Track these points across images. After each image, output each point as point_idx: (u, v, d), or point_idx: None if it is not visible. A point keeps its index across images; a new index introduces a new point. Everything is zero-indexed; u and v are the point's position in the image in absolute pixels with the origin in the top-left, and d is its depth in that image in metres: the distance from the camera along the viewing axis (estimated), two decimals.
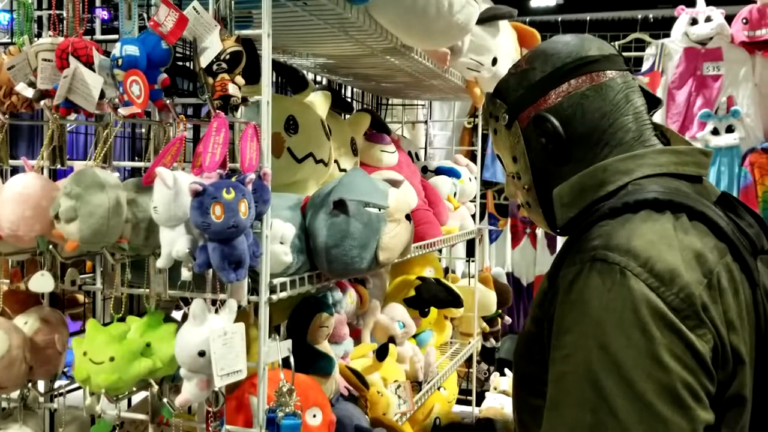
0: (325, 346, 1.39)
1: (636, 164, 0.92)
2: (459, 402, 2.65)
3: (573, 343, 0.80)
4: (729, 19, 3.30)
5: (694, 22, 3.33)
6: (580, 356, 0.79)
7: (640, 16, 3.70)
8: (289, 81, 1.70)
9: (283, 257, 1.11)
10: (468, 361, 2.58)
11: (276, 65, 1.69)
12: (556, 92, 0.96)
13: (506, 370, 3.19)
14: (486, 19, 1.79)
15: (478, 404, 2.86)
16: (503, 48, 1.91)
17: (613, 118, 0.95)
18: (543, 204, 1.01)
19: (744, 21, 3.26)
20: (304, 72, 1.78)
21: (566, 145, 0.96)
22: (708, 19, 3.30)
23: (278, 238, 1.12)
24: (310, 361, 1.35)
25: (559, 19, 3.92)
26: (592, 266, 0.81)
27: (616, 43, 3.82)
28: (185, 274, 0.96)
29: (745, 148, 3.31)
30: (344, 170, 1.59)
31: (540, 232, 3.73)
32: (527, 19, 3.39)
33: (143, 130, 1.55)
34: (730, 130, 3.31)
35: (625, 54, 3.92)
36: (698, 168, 0.93)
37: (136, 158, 1.65)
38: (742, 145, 3.31)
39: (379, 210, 1.19)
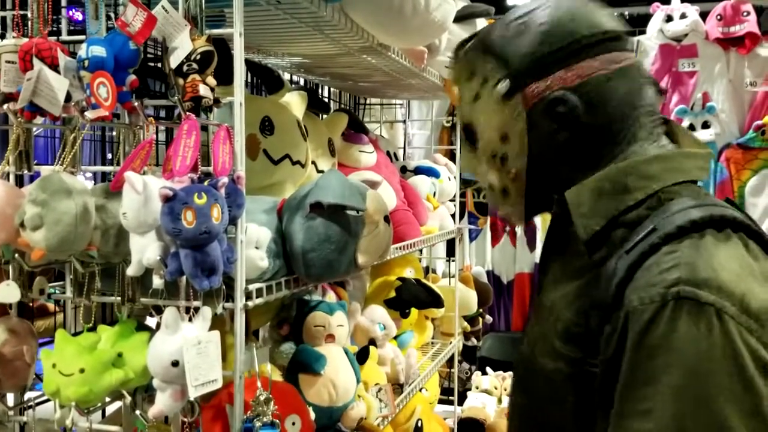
0: (322, 346, 1.38)
1: (662, 168, 0.80)
2: (441, 402, 2.64)
3: (659, 395, 0.68)
4: (704, 15, 3.32)
5: (669, 18, 3.35)
6: (670, 412, 0.68)
7: (616, 14, 3.72)
8: (264, 81, 1.67)
9: (258, 262, 1.09)
10: (449, 361, 2.56)
11: (251, 65, 1.66)
12: (576, 69, 0.81)
13: (488, 369, 3.19)
14: (463, 17, 1.78)
15: (461, 404, 2.85)
16: None
17: (634, 111, 0.83)
18: (529, 196, 0.88)
19: (718, 17, 3.28)
20: (280, 72, 1.76)
21: (583, 136, 0.82)
22: (683, 16, 3.32)
23: (253, 243, 1.09)
24: (302, 361, 1.35)
25: None
26: (679, 306, 0.69)
27: None
28: (157, 281, 0.93)
29: (721, 144, 3.34)
30: (322, 171, 1.57)
31: (519, 229, 3.74)
32: None
33: (114, 133, 1.51)
34: (705, 126, 3.34)
35: None
36: (707, 173, 0.83)
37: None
38: (718, 140, 3.34)
39: (357, 212, 1.17)
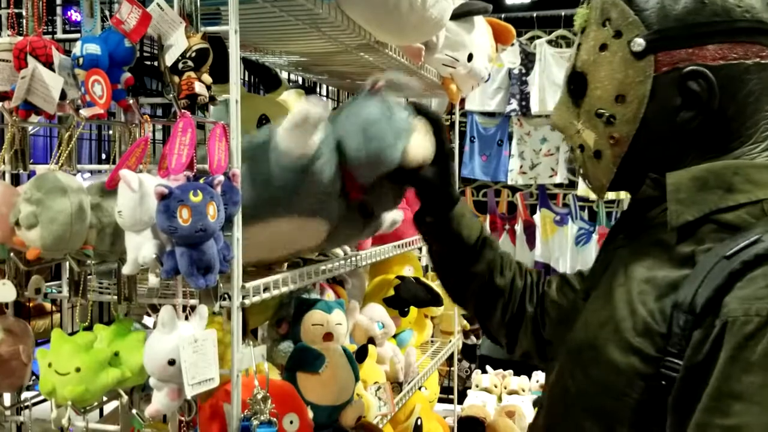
0: (320, 345, 1.38)
1: None
2: (440, 401, 2.64)
3: (751, 414, 0.65)
4: None
5: None
6: None
7: None
8: (262, 79, 1.67)
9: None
10: (449, 360, 2.56)
11: (248, 64, 1.66)
12: (720, 49, 0.77)
13: (488, 367, 3.19)
14: (460, 15, 1.77)
15: (460, 402, 2.85)
16: (479, 44, 1.89)
17: (758, 111, 0.79)
18: (623, 166, 0.84)
19: None
20: (278, 70, 1.75)
21: (704, 121, 0.79)
22: None
23: None
24: (300, 360, 1.34)
25: (534, 15, 3.92)
26: None
27: None
28: (153, 280, 0.93)
29: None
30: None
31: (519, 227, 3.73)
32: (502, 16, 3.38)
33: (111, 131, 1.51)
34: None
35: None
36: None
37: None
38: None
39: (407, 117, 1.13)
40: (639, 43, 0.80)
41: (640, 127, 0.82)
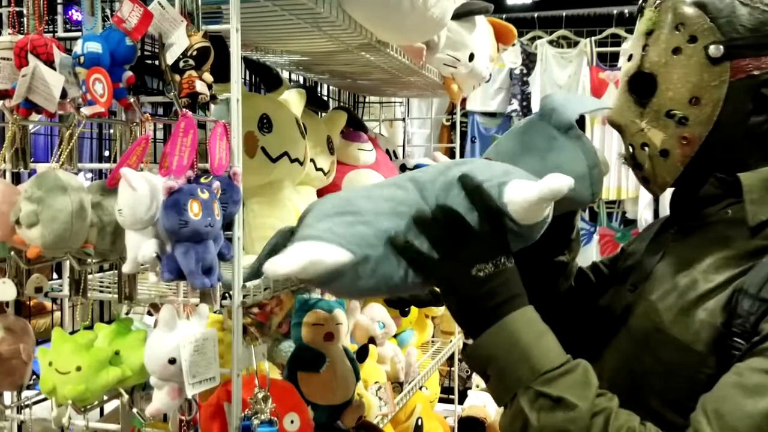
0: (321, 345, 1.38)
1: None
2: (441, 401, 2.64)
3: None
4: None
5: None
6: None
7: (615, 12, 3.72)
8: (263, 79, 1.67)
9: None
10: (450, 360, 2.56)
11: (249, 63, 1.66)
12: None
13: None
14: (462, 15, 1.77)
15: (461, 402, 2.85)
16: (480, 44, 1.89)
17: None
18: (691, 166, 0.88)
19: None
20: (279, 70, 1.75)
21: None
22: None
23: None
24: (301, 359, 1.34)
25: (536, 15, 3.92)
26: None
27: (593, 38, 3.83)
28: (152, 279, 0.92)
29: None
30: (320, 169, 1.56)
31: None
32: (504, 16, 3.38)
33: (112, 130, 1.51)
34: None
35: (601, 49, 3.95)
36: None
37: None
38: None
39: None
40: (717, 50, 0.83)
41: (713, 129, 0.85)
